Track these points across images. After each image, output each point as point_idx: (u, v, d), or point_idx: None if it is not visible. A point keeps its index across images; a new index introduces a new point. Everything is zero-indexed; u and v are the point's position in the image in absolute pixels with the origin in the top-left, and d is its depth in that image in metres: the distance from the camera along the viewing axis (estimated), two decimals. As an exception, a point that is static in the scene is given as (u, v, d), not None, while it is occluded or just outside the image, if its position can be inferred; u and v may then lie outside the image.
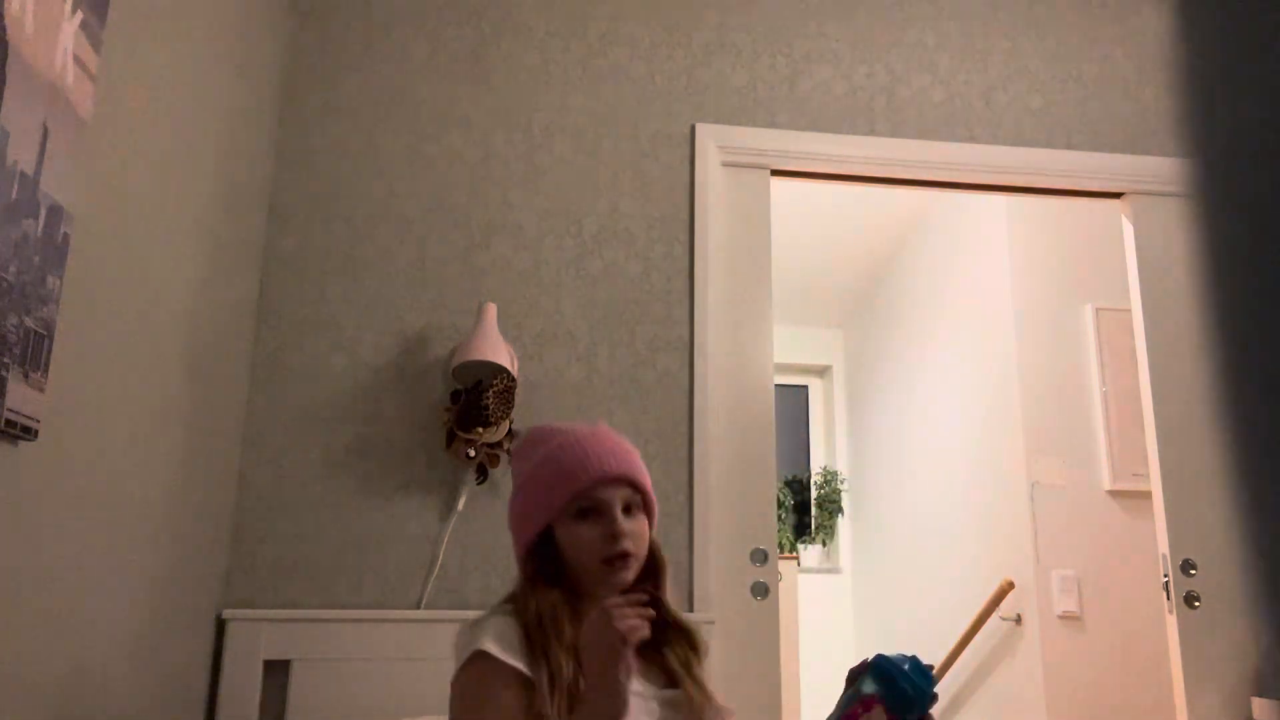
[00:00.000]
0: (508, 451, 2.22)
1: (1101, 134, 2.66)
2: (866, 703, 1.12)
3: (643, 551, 1.33)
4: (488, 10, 2.52)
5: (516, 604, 1.29)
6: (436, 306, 2.32)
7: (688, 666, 1.31)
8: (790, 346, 5.37)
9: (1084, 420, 3.22)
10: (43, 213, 1.22)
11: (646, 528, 1.34)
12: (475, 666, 1.22)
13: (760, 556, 2.34)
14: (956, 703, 3.62)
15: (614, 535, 1.27)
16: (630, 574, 1.30)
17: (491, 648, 1.21)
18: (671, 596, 1.38)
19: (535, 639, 1.23)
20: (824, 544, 5.34)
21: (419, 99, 2.43)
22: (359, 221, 2.34)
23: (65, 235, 1.27)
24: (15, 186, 1.15)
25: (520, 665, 1.21)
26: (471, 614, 2.11)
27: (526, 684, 1.20)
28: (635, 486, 1.33)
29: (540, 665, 1.21)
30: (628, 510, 1.31)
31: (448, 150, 2.41)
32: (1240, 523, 0.23)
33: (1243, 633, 2.34)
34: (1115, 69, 2.72)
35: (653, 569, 1.37)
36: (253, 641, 2.03)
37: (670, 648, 1.32)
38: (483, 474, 2.20)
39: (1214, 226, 0.23)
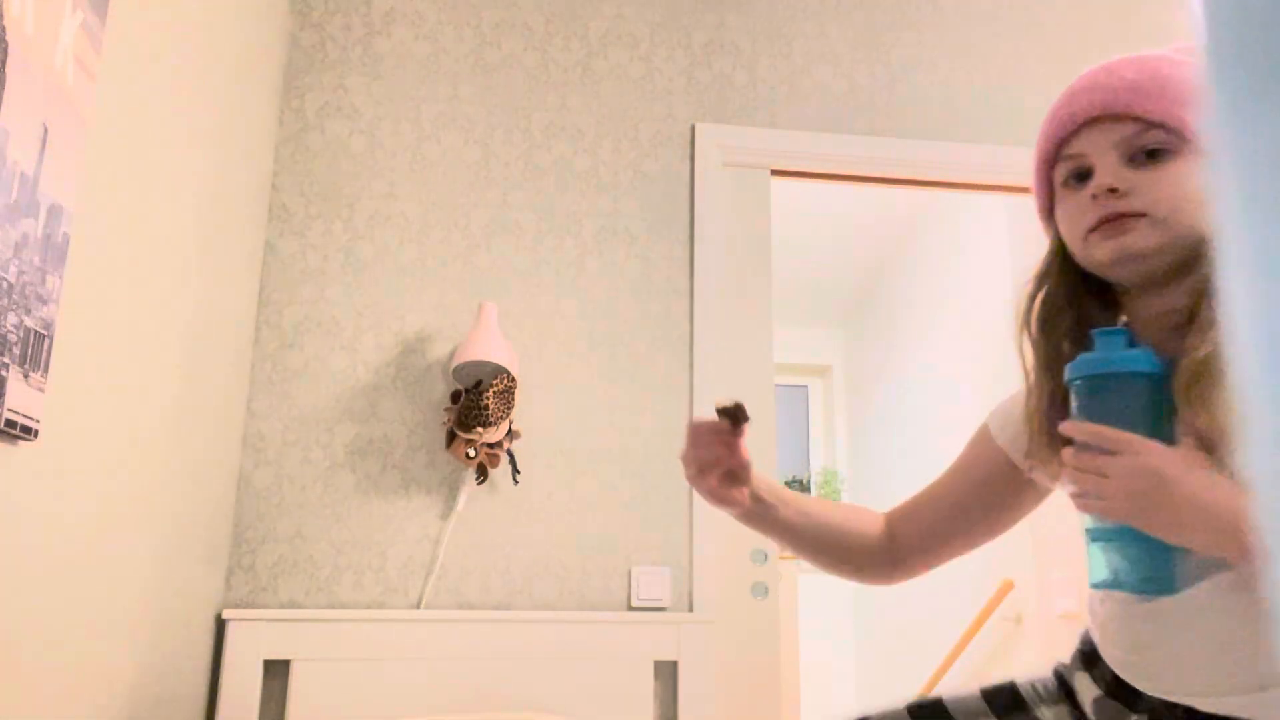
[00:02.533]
0: (508, 451, 2.22)
1: (1101, 134, 2.66)
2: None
3: (1164, 210, 0.88)
4: (487, 10, 2.52)
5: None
6: (436, 306, 2.32)
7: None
8: (790, 346, 5.37)
9: (1084, 420, 3.22)
10: (43, 213, 1.22)
11: (1181, 177, 0.89)
12: None
13: (760, 556, 2.34)
14: (956, 703, 3.62)
15: (1094, 193, 0.91)
16: (1134, 239, 0.89)
17: (992, 420, 1.13)
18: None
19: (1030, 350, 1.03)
20: (824, 544, 5.34)
21: (419, 99, 2.43)
22: (359, 221, 2.34)
23: (65, 235, 1.27)
24: (15, 186, 1.15)
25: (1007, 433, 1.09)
26: (471, 614, 2.14)
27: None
28: (1143, 120, 0.90)
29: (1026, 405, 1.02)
30: (1147, 156, 0.91)
31: (448, 150, 2.41)
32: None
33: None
34: (1115, 69, 2.72)
35: (1196, 249, 0.88)
36: (253, 641, 2.03)
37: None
38: (483, 474, 2.20)
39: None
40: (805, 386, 5.71)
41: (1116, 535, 0.89)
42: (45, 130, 1.21)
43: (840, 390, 5.50)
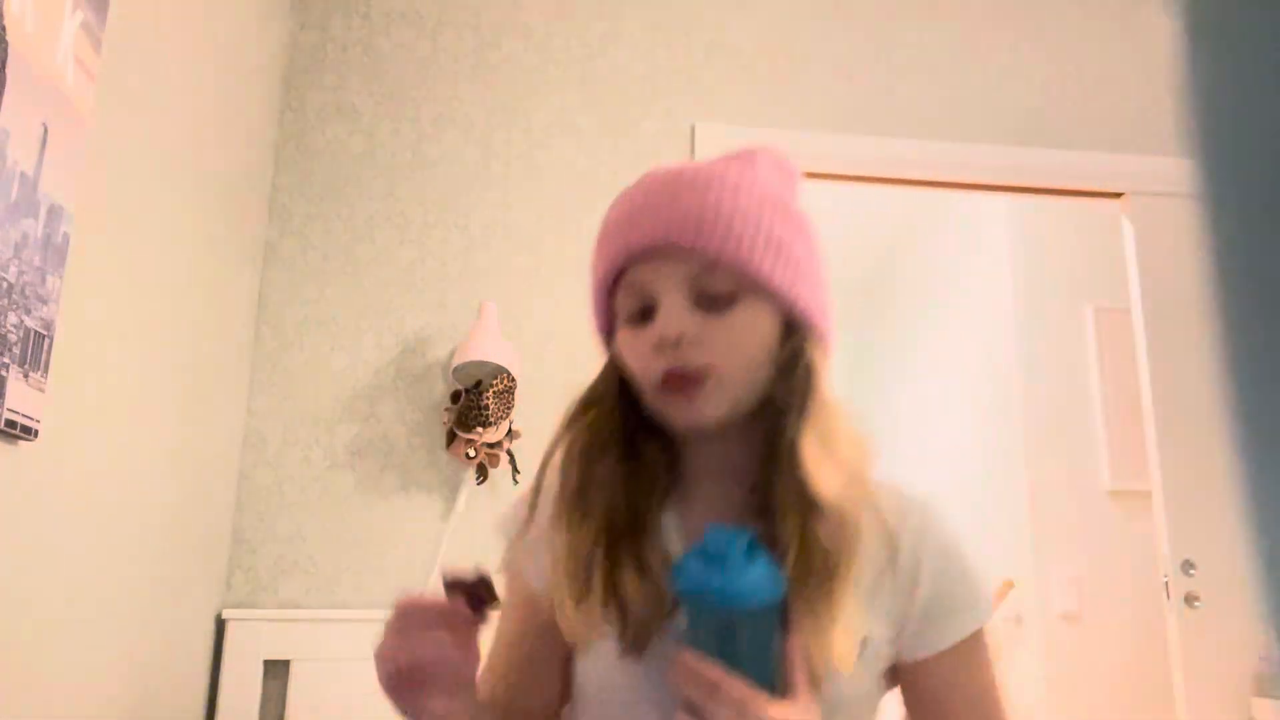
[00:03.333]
0: (508, 451, 2.22)
1: (1101, 134, 2.66)
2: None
3: (730, 364, 0.79)
4: (488, 10, 2.52)
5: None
6: (436, 306, 2.31)
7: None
8: (790, 346, 5.35)
9: (1084, 420, 3.22)
10: (43, 213, 1.21)
11: (749, 327, 0.80)
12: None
13: (760, 556, 2.34)
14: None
15: (658, 342, 0.78)
16: (703, 407, 0.79)
17: (506, 549, 0.88)
18: (850, 465, 0.86)
19: (558, 510, 0.88)
20: (824, 544, 5.35)
21: (419, 99, 2.43)
22: (359, 221, 2.34)
23: (65, 235, 1.27)
24: (15, 186, 1.15)
25: (524, 562, 0.88)
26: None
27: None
28: (707, 258, 0.78)
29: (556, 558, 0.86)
30: (712, 304, 0.79)
31: (448, 150, 2.41)
32: (1245, 528, 0.23)
33: (1243, 633, 2.34)
34: (1115, 68, 2.72)
35: (786, 396, 0.81)
36: (253, 641, 2.03)
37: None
38: (483, 474, 2.20)
39: (1223, 230, 0.23)
40: (805, 386, 5.70)
41: None
42: (45, 130, 1.21)
43: (840, 389, 5.49)
